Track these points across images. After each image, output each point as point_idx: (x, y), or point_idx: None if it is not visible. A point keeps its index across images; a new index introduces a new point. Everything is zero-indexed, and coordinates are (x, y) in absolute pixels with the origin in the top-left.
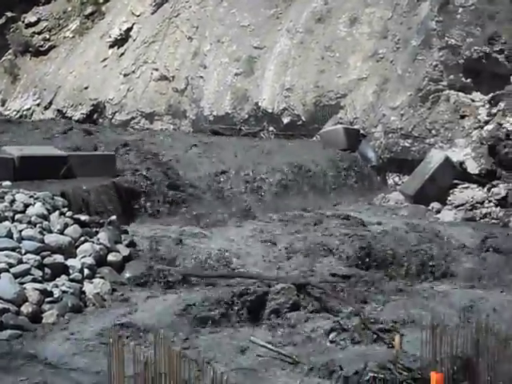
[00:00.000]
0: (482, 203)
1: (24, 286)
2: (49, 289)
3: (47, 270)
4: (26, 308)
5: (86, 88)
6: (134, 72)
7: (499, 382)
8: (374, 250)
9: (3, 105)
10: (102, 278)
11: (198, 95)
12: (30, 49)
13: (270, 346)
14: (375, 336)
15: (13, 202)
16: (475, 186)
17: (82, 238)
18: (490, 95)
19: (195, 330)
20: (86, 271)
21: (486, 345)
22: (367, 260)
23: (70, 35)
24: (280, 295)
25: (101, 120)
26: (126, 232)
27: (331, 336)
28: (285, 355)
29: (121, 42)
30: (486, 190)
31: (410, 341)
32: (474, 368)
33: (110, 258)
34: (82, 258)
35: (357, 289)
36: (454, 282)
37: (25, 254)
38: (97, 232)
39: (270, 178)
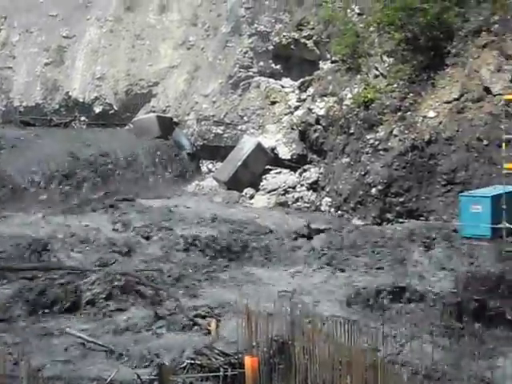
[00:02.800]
0: (294, 188)
1: None
2: None
3: None
4: None
5: None
6: None
7: (315, 364)
8: (184, 238)
9: None
10: None
11: (8, 86)
12: None
13: (85, 336)
14: (192, 322)
15: None
16: (287, 170)
17: None
18: (300, 81)
19: (8, 322)
20: None
21: (301, 328)
22: (180, 248)
23: None
24: (95, 285)
25: None
26: None
27: (148, 324)
28: (101, 345)
29: None
30: (297, 174)
31: (227, 326)
32: (289, 351)
33: None
34: None
35: (172, 277)
36: (269, 266)
37: None
38: None
39: (77, 170)
